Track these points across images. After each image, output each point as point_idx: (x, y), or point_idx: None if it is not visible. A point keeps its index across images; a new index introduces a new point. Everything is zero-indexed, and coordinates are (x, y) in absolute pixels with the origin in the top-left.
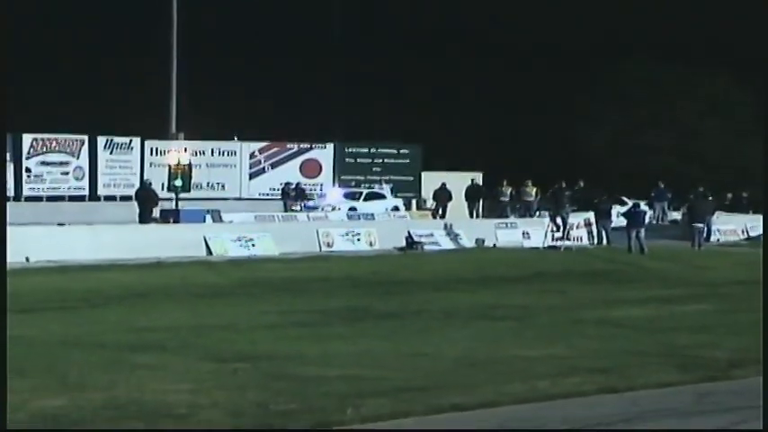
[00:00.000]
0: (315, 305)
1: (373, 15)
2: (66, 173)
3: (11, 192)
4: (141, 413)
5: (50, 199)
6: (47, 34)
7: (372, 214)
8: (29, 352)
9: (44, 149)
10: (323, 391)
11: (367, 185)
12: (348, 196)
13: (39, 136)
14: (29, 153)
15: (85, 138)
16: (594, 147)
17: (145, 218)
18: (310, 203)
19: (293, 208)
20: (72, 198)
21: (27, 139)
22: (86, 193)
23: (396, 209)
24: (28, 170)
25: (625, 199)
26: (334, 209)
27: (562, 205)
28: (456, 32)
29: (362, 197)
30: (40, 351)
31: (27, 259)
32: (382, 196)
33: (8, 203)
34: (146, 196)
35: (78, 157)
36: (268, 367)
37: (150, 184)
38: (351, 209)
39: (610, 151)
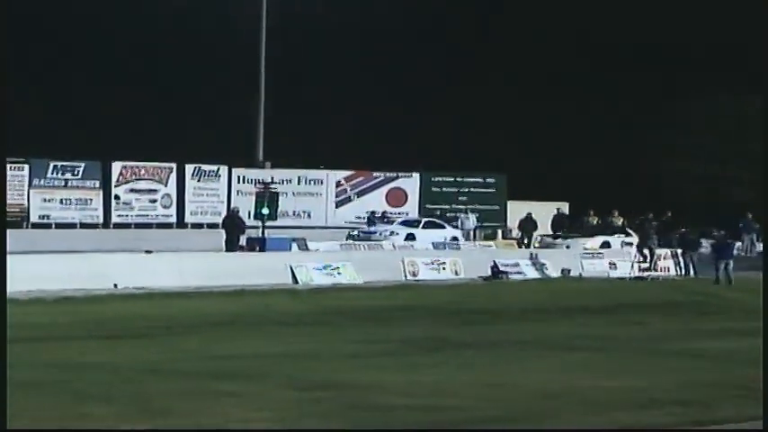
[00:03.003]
0: (397, 334)
1: (459, 45)
2: (155, 200)
3: (100, 219)
4: None
5: (138, 226)
6: (136, 64)
7: (457, 244)
8: (114, 378)
9: (133, 177)
10: (402, 421)
11: (453, 215)
12: (406, 223)
13: (128, 164)
14: (118, 180)
15: (174, 165)
16: (682, 178)
17: (231, 246)
18: (370, 229)
19: (352, 234)
20: (159, 225)
21: (116, 166)
22: (174, 220)
23: (455, 239)
24: (117, 197)
25: (713, 230)
26: (392, 233)
27: (649, 236)
28: (543, 64)
29: (421, 225)
30: (125, 378)
31: (115, 285)
32: (441, 226)
33: (97, 230)
34: (232, 224)
35: (166, 185)
36: (350, 396)
37: (237, 211)
38: (408, 235)
39: (697, 183)
